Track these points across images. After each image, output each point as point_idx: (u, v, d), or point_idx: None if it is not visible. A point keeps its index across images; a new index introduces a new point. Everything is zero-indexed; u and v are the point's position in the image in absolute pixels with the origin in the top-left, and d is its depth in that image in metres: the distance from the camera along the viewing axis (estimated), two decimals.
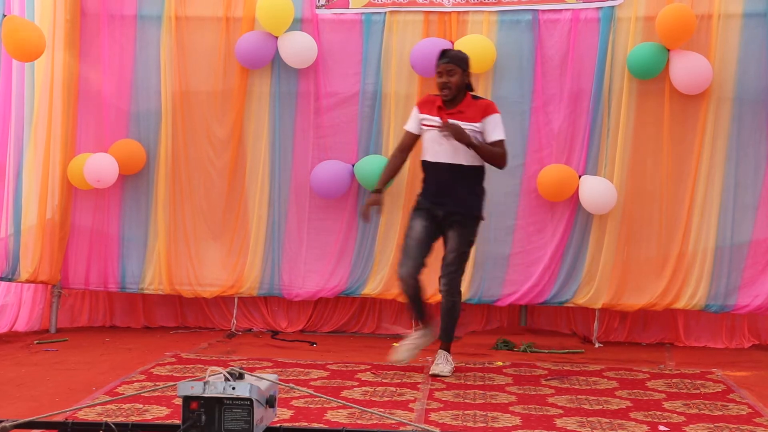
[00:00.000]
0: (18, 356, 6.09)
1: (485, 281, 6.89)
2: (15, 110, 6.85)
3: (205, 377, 2.67)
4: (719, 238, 6.68)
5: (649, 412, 4.79)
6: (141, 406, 4.66)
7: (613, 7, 6.73)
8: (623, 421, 4.59)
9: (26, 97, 6.86)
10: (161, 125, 7.07)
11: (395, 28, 6.95)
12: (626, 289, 6.77)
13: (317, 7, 7.01)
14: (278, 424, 2.93)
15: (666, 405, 4.99)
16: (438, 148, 5.57)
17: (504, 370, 5.86)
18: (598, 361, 6.21)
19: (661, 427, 4.49)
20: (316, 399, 4.76)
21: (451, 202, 5.57)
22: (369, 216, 5.75)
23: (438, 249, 5.74)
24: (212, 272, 7.10)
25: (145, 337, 6.94)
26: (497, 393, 5.20)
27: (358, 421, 4.47)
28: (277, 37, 6.92)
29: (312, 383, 5.38)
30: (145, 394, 4.75)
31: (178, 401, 2.74)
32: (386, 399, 5.01)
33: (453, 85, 5.54)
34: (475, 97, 5.66)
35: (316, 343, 6.77)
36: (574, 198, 6.77)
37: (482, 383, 5.47)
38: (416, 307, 5.64)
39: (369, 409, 4.14)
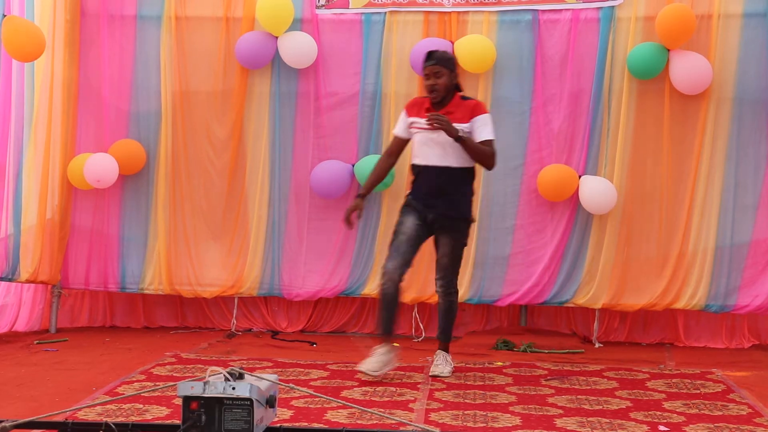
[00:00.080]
0: (18, 356, 6.09)
1: (485, 281, 6.89)
2: (15, 110, 6.85)
3: (205, 377, 2.67)
4: (719, 238, 6.68)
5: (649, 412, 4.79)
6: (141, 406, 4.66)
7: (613, 7, 6.73)
8: (623, 421, 4.59)
9: (26, 97, 6.86)
10: (161, 125, 7.07)
11: (395, 28, 6.95)
12: (626, 289, 6.77)
13: (317, 7, 7.01)
14: (278, 424, 2.93)
15: (666, 405, 4.99)
16: (428, 151, 5.52)
17: (504, 370, 5.86)
18: (598, 361, 6.21)
19: (661, 427, 4.49)
20: (316, 399, 4.76)
21: (442, 205, 5.52)
22: (351, 221, 5.58)
23: (426, 251, 5.72)
24: (212, 272, 7.11)
25: (145, 337, 6.94)
26: (497, 393, 5.20)
27: (358, 421, 4.47)
28: (277, 37, 6.92)
29: (312, 383, 5.38)
30: (145, 394, 4.75)
31: (178, 401, 2.74)
32: (386, 399, 5.01)
33: (441, 87, 5.48)
34: (464, 98, 5.60)
35: (316, 343, 6.77)
36: (574, 198, 6.77)
37: (482, 383, 5.47)
38: (388, 313, 5.44)
39: (369, 409, 4.14)
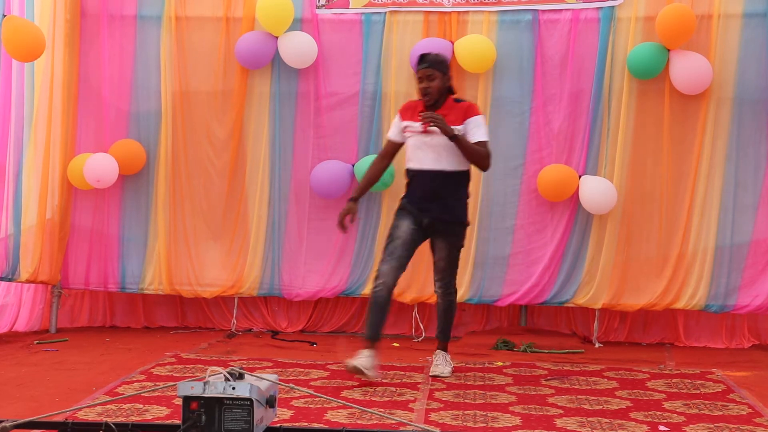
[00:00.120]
0: (18, 356, 6.09)
1: (485, 281, 6.89)
2: (15, 110, 6.85)
3: (205, 377, 2.67)
4: (719, 238, 6.68)
5: (649, 412, 4.79)
6: (141, 406, 4.66)
7: (613, 7, 6.73)
8: (623, 421, 4.59)
9: (26, 97, 6.86)
10: (161, 125, 7.07)
11: (395, 28, 6.95)
12: (626, 289, 6.77)
13: (317, 7, 7.01)
14: (278, 424, 2.93)
15: (666, 405, 4.99)
16: (422, 155, 5.48)
17: (504, 370, 5.86)
18: (598, 361, 6.21)
19: (661, 427, 4.49)
20: (316, 399, 4.76)
21: (437, 210, 5.47)
22: (345, 225, 5.54)
23: (427, 251, 5.71)
24: (212, 272, 7.11)
25: (145, 337, 6.94)
26: (497, 393, 5.20)
27: (358, 421, 4.47)
28: (277, 37, 6.92)
29: (312, 383, 5.38)
30: (145, 394, 4.75)
31: (178, 401, 2.74)
32: (386, 399, 5.01)
33: (434, 90, 5.44)
34: (457, 100, 5.56)
35: (316, 343, 6.77)
36: (574, 198, 6.77)
37: (482, 383, 5.47)
38: (377, 317, 5.37)
39: (369, 409, 4.13)
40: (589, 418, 4.64)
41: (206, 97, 7.10)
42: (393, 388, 5.28)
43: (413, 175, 5.56)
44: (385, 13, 6.96)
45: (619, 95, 6.73)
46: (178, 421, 2.74)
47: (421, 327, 7.03)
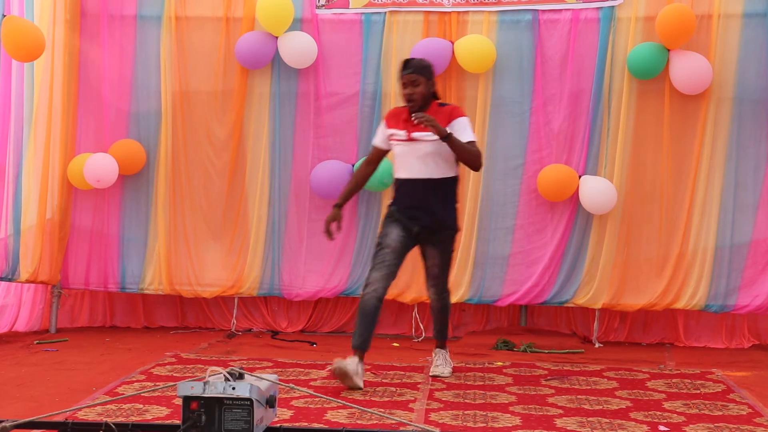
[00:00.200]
0: (18, 356, 6.09)
1: (485, 281, 6.89)
2: (15, 110, 6.85)
3: (205, 377, 2.67)
4: (719, 238, 6.68)
5: (649, 412, 4.79)
6: (141, 406, 4.66)
7: (613, 7, 6.73)
8: (623, 421, 4.59)
9: (26, 97, 6.85)
10: (161, 125, 7.07)
11: (395, 28, 6.95)
12: (626, 289, 6.77)
13: (317, 7, 7.01)
14: (278, 424, 2.93)
15: (666, 405, 4.99)
16: (408, 164, 5.40)
17: (504, 370, 5.86)
18: (598, 361, 6.21)
19: (661, 427, 4.49)
20: (316, 399, 4.76)
21: (427, 218, 5.41)
22: (331, 232, 5.50)
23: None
24: (212, 272, 7.11)
25: (145, 337, 6.94)
26: (497, 393, 5.20)
27: (358, 421, 4.47)
28: (277, 37, 6.92)
29: (312, 383, 5.38)
30: (145, 394, 4.75)
31: (178, 401, 2.74)
32: (386, 399, 5.01)
33: (418, 96, 5.36)
34: (441, 104, 5.50)
35: (316, 343, 6.77)
36: (574, 198, 6.77)
37: (482, 383, 5.47)
38: (366, 325, 5.28)
39: (369, 409, 4.13)
40: (589, 418, 4.64)
41: (206, 97, 7.10)
42: (393, 388, 5.27)
43: (401, 184, 5.50)
44: (385, 13, 6.96)
45: (619, 95, 6.73)
46: (178, 421, 2.74)
47: (421, 327, 7.03)
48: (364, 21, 6.99)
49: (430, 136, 5.31)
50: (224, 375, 2.68)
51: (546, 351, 6.55)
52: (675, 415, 4.76)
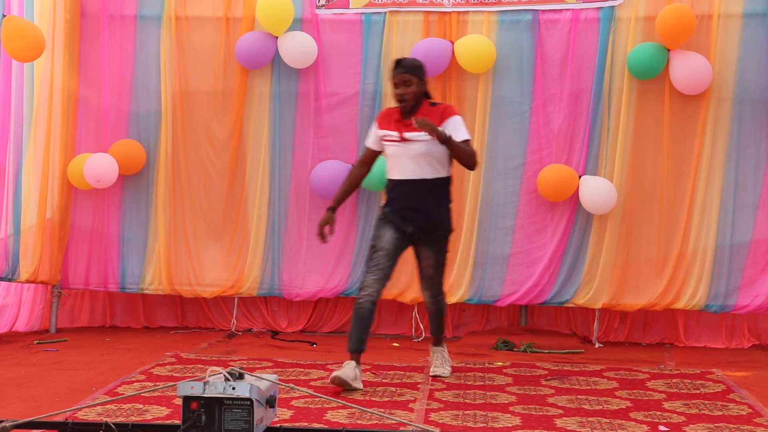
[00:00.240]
0: (18, 356, 6.09)
1: (485, 281, 6.89)
2: (15, 110, 6.85)
3: (205, 377, 2.67)
4: (719, 238, 6.68)
5: (649, 412, 4.79)
6: (141, 406, 4.66)
7: (613, 7, 6.73)
8: (623, 421, 4.59)
9: (26, 97, 6.86)
10: (161, 125, 7.07)
11: (395, 28, 6.95)
12: (626, 289, 6.77)
13: (317, 7, 7.01)
14: (278, 424, 2.93)
15: (666, 405, 4.99)
16: (401, 165, 5.36)
17: (504, 370, 5.86)
18: (598, 361, 6.21)
19: (661, 427, 4.49)
20: (316, 399, 4.76)
21: (420, 219, 5.37)
22: (324, 236, 5.46)
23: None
24: (212, 272, 7.11)
25: (145, 337, 6.94)
26: (497, 393, 5.20)
27: (358, 421, 4.47)
28: (277, 37, 6.92)
29: (312, 383, 5.38)
30: (145, 394, 4.75)
31: (178, 401, 2.74)
32: (386, 399, 5.01)
33: (410, 96, 5.32)
34: (433, 104, 5.45)
35: (316, 343, 6.77)
36: (574, 198, 6.77)
37: (482, 383, 5.47)
38: (361, 329, 5.27)
39: (369, 409, 4.13)
40: (589, 418, 4.64)
41: (206, 97, 7.10)
42: (393, 388, 5.28)
43: (395, 185, 5.46)
44: (385, 13, 6.96)
45: (619, 95, 6.73)
46: (178, 421, 2.74)
47: (421, 327, 7.02)
48: (364, 21, 6.99)
49: (423, 136, 5.27)
50: (224, 375, 2.68)
51: (546, 351, 6.55)
52: (675, 415, 4.76)
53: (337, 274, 7.03)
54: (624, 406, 4.94)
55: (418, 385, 5.36)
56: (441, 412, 4.73)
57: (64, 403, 4.66)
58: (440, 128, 5.28)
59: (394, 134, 5.38)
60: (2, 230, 6.78)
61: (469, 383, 5.46)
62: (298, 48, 6.88)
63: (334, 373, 5.19)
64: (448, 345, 5.93)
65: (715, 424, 4.56)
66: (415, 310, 7.03)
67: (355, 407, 4.44)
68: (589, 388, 5.40)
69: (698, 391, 5.32)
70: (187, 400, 2.65)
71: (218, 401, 2.64)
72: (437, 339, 5.73)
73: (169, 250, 7.09)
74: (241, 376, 2.70)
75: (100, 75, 7.10)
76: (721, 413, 4.80)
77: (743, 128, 6.66)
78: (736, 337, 6.89)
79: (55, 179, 6.92)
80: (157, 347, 6.43)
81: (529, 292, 6.84)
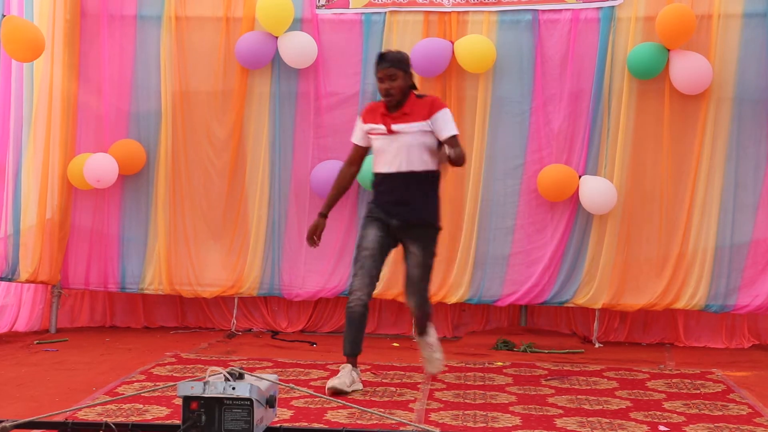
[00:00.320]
0: (18, 356, 6.09)
1: (485, 281, 6.89)
2: (14, 110, 6.85)
3: (205, 377, 2.67)
4: (719, 238, 6.68)
5: (649, 412, 4.79)
6: (141, 406, 4.66)
7: (613, 7, 6.73)
8: (623, 421, 4.59)
9: (26, 97, 6.86)
10: (161, 125, 7.07)
11: (395, 28, 6.95)
12: (626, 289, 6.77)
13: (317, 7, 7.01)
14: (278, 424, 2.93)
15: (666, 405, 4.99)
16: (390, 158, 5.23)
17: (504, 370, 5.86)
18: (598, 361, 6.21)
19: (661, 427, 4.49)
20: (316, 399, 4.76)
21: (407, 212, 5.21)
22: (314, 241, 5.40)
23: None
24: (212, 272, 7.11)
25: (145, 337, 6.94)
26: (497, 393, 5.20)
27: (358, 421, 4.47)
28: (277, 37, 6.92)
29: (312, 383, 5.38)
30: (145, 394, 4.75)
31: (178, 401, 2.74)
32: (386, 399, 5.01)
33: (396, 90, 5.16)
34: (420, 96, 5.32)
35: (316, 343, 6.77)
36: (574, 198, 6.77)
37: (482, 383, 5.47)
38: (355, 333, 5.19)
39: (369, 409, 4.13)
40: (589, 418, 4.64)
41: (206, 97, 7.10)
42: (393, 388, 5.27)
43: (382, 179, 5.32)
44: (385, 13, 6.96)
45: (619, 95, 6.73)
46: (178, 421, 2.74)
47: None
48: (364, 21, 6.99)
49: (412, 128, 5.18)
50: (224, 375, 2.68)
51: (546, 351, 6.55)
52: (675, 415, 4.76)
53: (337, 274, 7.03)
54: (624, 406, 4.94)
55: (418, 385, 5.36)
56: (441, 412, 4.73)
57: (64, 403, 4.66)
58: (428, 121, 5.16)
59: (381, 127, 5.25)
60: (2, 230, 6.79)
61: (469, 383, 5.46)
62: (298, 48, 6.88)
63: (330, 383, 5.09)
64: (449, 345, 5.91)
65: (715, 424, 4.56)
66: None
67: (355, 407, 4.44)
68: (589, 388, 5.40)
69: (698, 391, 5.32)
70: (187, 400, 2.65)
71: (218, 401, 2.64)
72: (420, 333, 5.49)
73: (169, 250, 7.09)
74: (241, 376, 2.70)
75: (100, 75, 7.10)
76: (721, 413, 4.80)
77: (743, 128, 6.67)
78: (736, 337, 6.89)
79: (54, 179, 6.92)
80: (157, 347, 6.43)
81: (529, 292, 6.84)
